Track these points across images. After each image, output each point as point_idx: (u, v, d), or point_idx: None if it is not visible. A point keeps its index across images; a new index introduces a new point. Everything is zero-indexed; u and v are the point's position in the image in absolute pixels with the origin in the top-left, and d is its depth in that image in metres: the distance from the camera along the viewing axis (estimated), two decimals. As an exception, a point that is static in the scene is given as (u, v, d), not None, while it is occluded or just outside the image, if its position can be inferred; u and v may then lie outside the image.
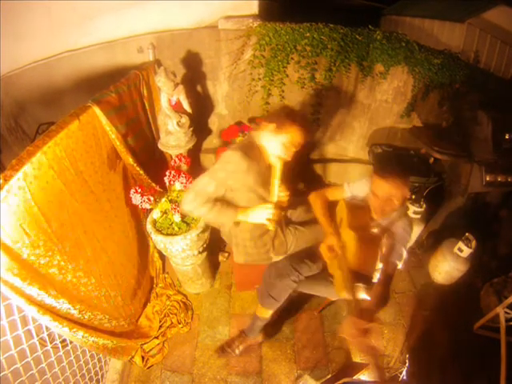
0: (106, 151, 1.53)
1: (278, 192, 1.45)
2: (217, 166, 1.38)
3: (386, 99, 2.45)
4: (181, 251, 1.68)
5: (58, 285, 1.16)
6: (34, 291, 1.05)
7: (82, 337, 1.26)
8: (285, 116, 1.38)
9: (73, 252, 1.23)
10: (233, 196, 1.47)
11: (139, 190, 1.59)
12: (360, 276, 1.25)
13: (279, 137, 1.37)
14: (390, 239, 1.29)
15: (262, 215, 1.42)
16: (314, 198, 1.57)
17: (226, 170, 1.35)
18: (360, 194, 1.49)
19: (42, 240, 1.08)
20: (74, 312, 1.23)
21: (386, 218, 1.35)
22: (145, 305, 1.89)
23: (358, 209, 1.41)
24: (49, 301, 1.11)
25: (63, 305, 1.17)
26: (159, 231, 1.68)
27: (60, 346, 1.28)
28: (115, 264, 1.52)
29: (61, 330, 1.16)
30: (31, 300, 1.05)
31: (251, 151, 1.39)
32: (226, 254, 2.26)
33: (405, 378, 1.62)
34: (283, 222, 1.63)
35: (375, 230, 1.36)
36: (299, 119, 1.39)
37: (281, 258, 1.60)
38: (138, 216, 1.88)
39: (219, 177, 1.36)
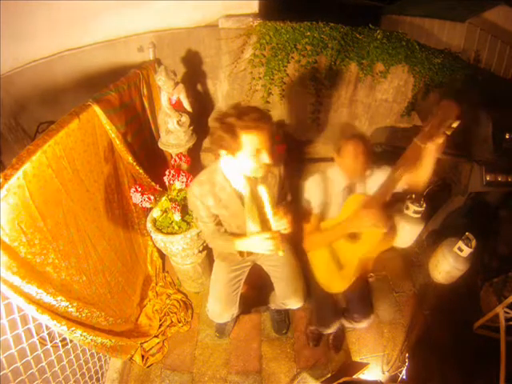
0: (102, 150, 1.53)
1: (275, 221, 1.16)
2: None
3: (386, 98, 2.45)
4: (181, 250, 1.68)
5: (54, 283, 1.16)
6: (32, 290, 1.05)
7: (81, 335, 1.26)
8: (221, 125, 1.06)
9: (66, 250, 1.23)
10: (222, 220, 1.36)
11: (139, 189, 1.59)
12: None
13: (240, 151, 1.06)
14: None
15: (262, 247, 1.21)
16: (311, 240, 1.48)
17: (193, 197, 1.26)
18: (322, 193, 1.45)
19: (37, 238, 1.08)
20: (72, 310, 1.23)
21: (364, 179, 1.45)
22: (139, 304, 1.89)
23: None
24: (47, 299, 1.11)
25: (61, 303, 1.17)
26: (159, 230, 1.68)
27: (60, 344, 1.28)
28: (104, 261, 1.52)
29: (59, 328, 1.16)
30: (30, 299, 1.05)
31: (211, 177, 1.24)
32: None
33: (405, 377, 1.62)
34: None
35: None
36: (244, 115, 1.04)
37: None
38: (130, 215, 1.87)
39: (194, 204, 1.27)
